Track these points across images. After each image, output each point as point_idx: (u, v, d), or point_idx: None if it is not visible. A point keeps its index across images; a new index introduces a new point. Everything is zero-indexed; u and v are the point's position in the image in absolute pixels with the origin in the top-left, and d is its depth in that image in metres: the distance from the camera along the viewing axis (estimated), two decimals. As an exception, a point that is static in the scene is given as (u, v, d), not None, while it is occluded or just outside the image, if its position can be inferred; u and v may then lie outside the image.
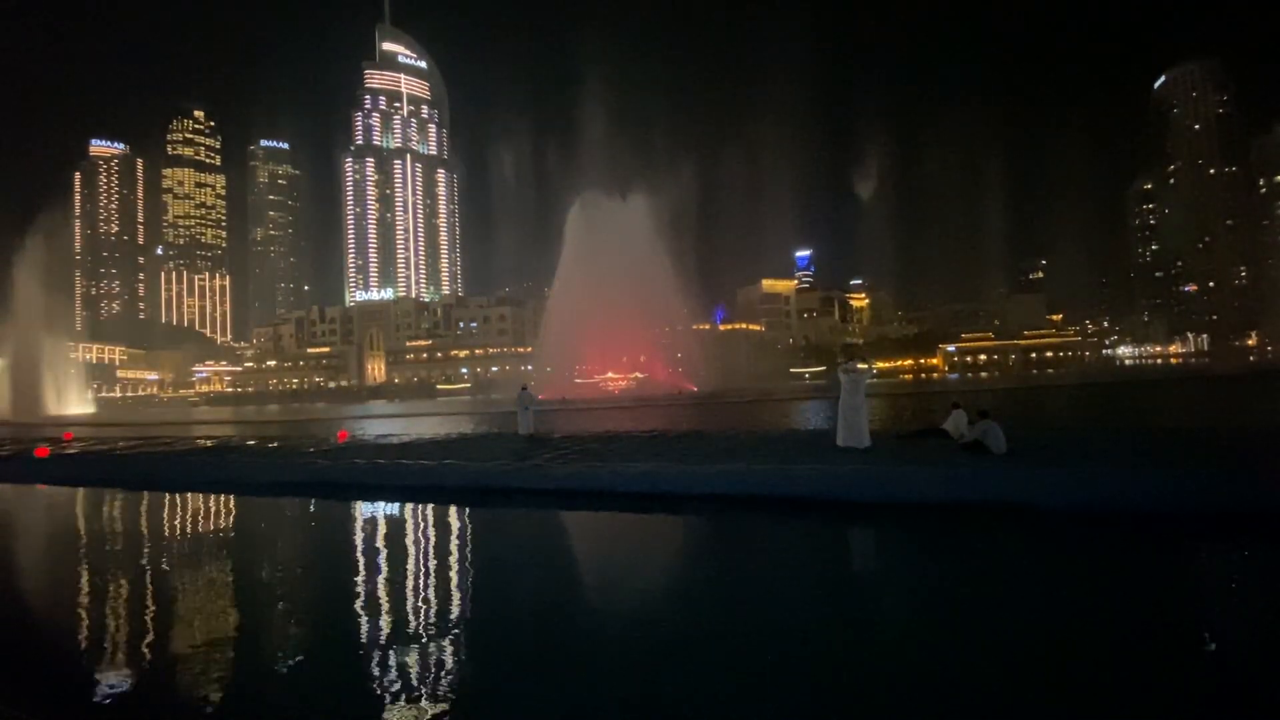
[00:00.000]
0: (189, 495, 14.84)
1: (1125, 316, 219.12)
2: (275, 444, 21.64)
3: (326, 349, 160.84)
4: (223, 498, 14.48)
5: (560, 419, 37.67)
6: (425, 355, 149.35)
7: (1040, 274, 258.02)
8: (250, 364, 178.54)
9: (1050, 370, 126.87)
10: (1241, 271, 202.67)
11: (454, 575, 8.06)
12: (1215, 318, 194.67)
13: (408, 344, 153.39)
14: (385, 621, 6.42)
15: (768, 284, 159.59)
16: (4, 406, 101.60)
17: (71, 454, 21.38)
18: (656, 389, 73.48)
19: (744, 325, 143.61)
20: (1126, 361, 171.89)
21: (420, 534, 10.60)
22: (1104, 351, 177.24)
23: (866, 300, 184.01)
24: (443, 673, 5.18)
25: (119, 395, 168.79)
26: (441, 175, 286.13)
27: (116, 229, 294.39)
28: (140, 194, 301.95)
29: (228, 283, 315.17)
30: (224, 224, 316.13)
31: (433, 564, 8.60)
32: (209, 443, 23.54)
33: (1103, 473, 9.67)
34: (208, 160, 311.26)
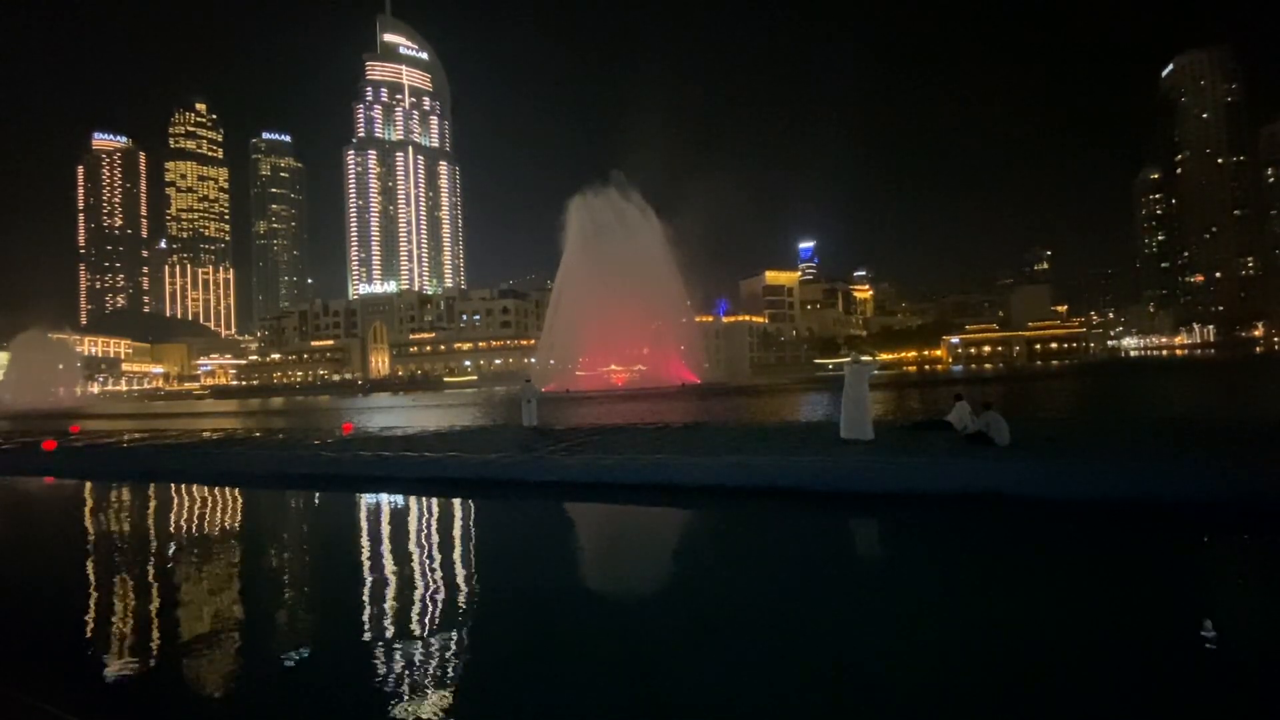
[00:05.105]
0: (195, 487, 14.91)
1: (1131, 307, 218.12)
2: (280, 436, 21.72)
3: (330, 342, 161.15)
4: (229, 490, 14.56)
5: (564, 411, 37.72)
6: (428, 348, 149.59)
7: (1045, 265, 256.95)
8: (254, 357, 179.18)
9: (1055, 362, 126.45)
10: (1249, 262, 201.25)
11: (459, 567, 8.10)
12: (1221, 308, 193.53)
13: (410, 337, 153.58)
14: (394, 614, 6.46)
15: (771, 275, 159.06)
16: (10, 398, 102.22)
17: (78, 446, 21.52)
18: (659, 381, 73.45)
19: (747, 317, 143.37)
20: (1132, 353, 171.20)
21: (425, 526, 10.65)
22: (1109, 343, 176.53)
23: (870, 291, 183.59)
24: (452, 665, 5.21)
25: (124, 388, 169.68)
26: (443, 167, 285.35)
27: (120, 222, 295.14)
28: (143, 187, 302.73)
29: (231, 276, 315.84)
30: (227, 217, 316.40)
31: (438, 556, 8.64)
32: (214, 435, 23.64)
33: (1105, 464, 9.65)
34: (210, 153, 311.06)
